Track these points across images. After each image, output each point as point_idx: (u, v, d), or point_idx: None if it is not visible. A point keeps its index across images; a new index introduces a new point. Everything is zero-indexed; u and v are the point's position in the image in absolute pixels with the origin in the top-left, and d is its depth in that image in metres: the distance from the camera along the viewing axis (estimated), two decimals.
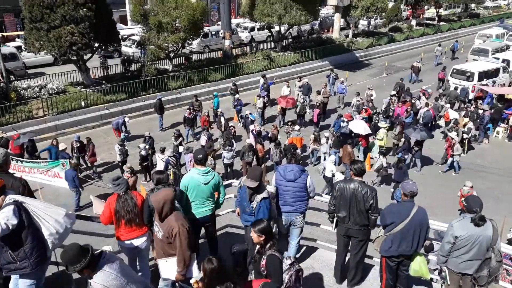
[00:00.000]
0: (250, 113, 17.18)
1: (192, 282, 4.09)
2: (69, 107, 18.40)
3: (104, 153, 16.14)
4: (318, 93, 19.83)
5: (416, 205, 5.35)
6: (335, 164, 15.70)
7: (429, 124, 18.25)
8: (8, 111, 16.97)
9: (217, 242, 6.38)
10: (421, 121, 18.32)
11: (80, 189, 12.79)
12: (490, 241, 5.05)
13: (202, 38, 29.30)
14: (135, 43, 26.47)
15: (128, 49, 26.87)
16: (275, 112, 20.27)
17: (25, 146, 14.31)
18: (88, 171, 14.46)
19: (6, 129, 15.71)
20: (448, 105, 18.97)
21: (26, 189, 4.91)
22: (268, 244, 4.29)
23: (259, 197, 5.43)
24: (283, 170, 5.98)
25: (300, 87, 21.22)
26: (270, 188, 6.18)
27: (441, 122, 17.64)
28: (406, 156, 15.27)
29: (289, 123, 17.46)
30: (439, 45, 31.95)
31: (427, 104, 19.19)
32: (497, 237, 5.10)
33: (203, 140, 15.31)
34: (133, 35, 27.76)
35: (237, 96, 19.81)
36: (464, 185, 12.38)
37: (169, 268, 4.93)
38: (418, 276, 5.50)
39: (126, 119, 17.08)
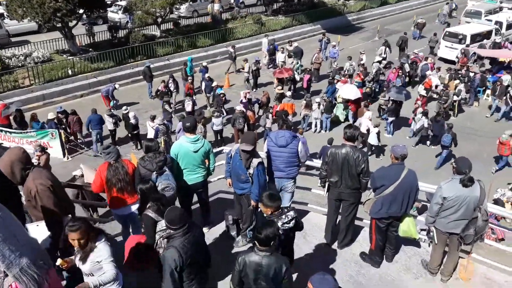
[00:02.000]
0: (220, 87, 16.71)
1: (59, 263, 3.89)
2: (56, 75, 18.02)
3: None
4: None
5: (406, 167, 5.41)
6: (325, 130, 15.84)
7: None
8: None
9: (209, 208, 6.45)
10: (419, 73, 19.44)
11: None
12: (477, 201, 5.15)
13: (191, 3, 28.50)
14: (122, 9, 25.73)
15: (115, 15, 26.15)
16: (269, 79, 20.06)
17: (13, 116, 14.10)
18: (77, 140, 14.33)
19: None
20: (430, 71, 18.78)
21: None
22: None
23: (255, 162, 5.44)
24: (275, 136, 5.98)
25: (292, 52, 20.93)
26: (262, 154, 6.19)
27: (421, 90, 17.33)
28: (391, 118, 15.35)
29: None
30: (447, 3, 31.64)
31: (426, 58, 20.13)
32: (484, 198, 5.20)
33: (188, 106, 15.17)
34: (119, 0, 26.96)
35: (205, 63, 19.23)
36: (504, 133, 13.21)
37: (40, 233, 4.56)
38: (407, 236, 5.64)
39: (116, 86, 16.82)
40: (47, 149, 10.97)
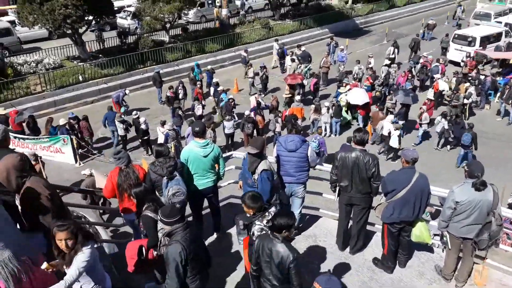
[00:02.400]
0: (224, 92, 16.70)
1: (44, 266, 3.74)
2: (67, 82, 18.22)
3: (104, 128, 16.09)
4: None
5: (417, 171, 5.36)
6: (335, 134, 15.78)
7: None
8: (6, 88, 16.80)
9: (220, 213, 6.45)
10: (430, 74, 19.54)
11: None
12: (491, 205, 5.08)
13: (199, 8, 28.65)
14: (131, 15, 25.94)
15: (124, 21, 26.35)
16: (278, 84, 20.07)
17: (25, 123, 14.25)
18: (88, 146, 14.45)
19: (5, 106, 15.60)
20: (438, 75, 18.64)
21: (27, 164, 4.89)
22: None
23: (260, 168, 5.44)
24: (284, 140, 5.96)
25: (299, 56, 20.93)
26: (271, 159, 6.18)
27: (429, 94, 17.21)
28: (401, 122, 15.28)
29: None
30: (459, 5, 31.65)
31: (438, 60, 20.27)
32: (497, 202, 5.13)
33: (198, 110, 15.24)
34: (129, 6, 27.15)
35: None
36: None
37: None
38: (420, 241, 5.57)
39: (127, 91, 16.95)
40: (41, 158, 11.13)
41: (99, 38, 22.24)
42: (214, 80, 17.51)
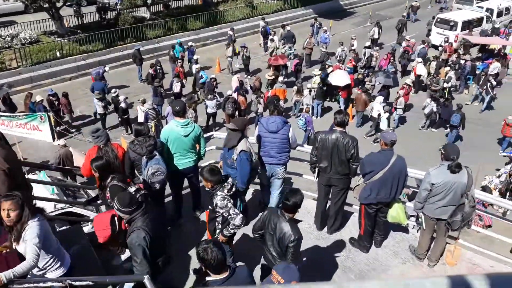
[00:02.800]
0: (201, 70, 16.48)
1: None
2: (44, 57, 17.68)
3: (83, 106, 15.79)
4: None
5: (395, 153, 5.44)
6: (317, 116, 15.85)
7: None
8: None
9: (200, 193, 6.45)
10: (416, 56, 19.57)
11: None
12: (465, 187, 5.21)
13: None
14: None
15: None
16: (261, 64, 19.95)
17: (1, 99, 13.83)
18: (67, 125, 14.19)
19: None
20: (419, 59, 18.77)
21: (3, 141, 4.77)
22: None
23: (238, 148, 5.45)
24: (266, 121, 5.96)
25: (284, 36, 20.79)
26: (251, 139, 6.19)
27: (409, 80, 17.02)
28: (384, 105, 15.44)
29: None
30: None
31: (423, 42, 20.45)
32: (471, 184, 5.27)
33: (176, 87, 15.05)
34: None
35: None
36: (510, 115, 13.70)
37: None
38: (396, 222, 5.71)
39: (106, 68, 16.59)
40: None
41: (77, 13, 21.57)
42: (195, 57, 17.28)
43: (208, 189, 4.61)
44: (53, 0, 17.79)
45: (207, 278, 3.47)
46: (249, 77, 18.10)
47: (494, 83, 16.83)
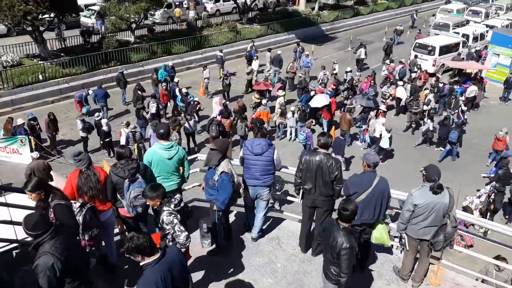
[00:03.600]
0: (187, 92, 16.43)
1: None
2: (26, 80, 17.51)
3: (66, 129, 15.60)
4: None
5: (378, 175, 5.50)
6: (306, 140, 15.95)
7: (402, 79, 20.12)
8: None
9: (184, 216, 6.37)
10: (397, 76, 20.39)
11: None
12: (447, 208, 5.28)
13: (165, 9, 28.36)
14: (95, 13, 25.28)
15: (87, 20, 25.65)
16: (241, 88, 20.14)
17: None
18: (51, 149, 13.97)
19: None
20: (400, 82, 19.20)
21: None
22: None
23: (219, 169, 5.46)
24: (251, 144, 5.99)
25: (272, 59, 21.17)
26: (234, 162, 6.20)
27: (383, 106, 16.97)
28: (364, 126, 15.69)
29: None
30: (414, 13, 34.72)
31: (400, 62, 21.35)
32: (453, 205, 5.35)
33: (152, 108, 14.99)
34: (93, 4, 26.44)
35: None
36: (501, 130, 14.33)
37: None
38: (380, 243, 5.72)
39: (90, 91, 16.49)
40: None
41: (59, 36, 21.55)
42: (176, 79, 17.44)
43: (157, 207, 4.56)
44: (36, 23, 17.75)
45: (141, 263, 3.73)
46: (227, 102, 18.11)
47: (465, 108, 17.18)
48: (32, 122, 13.67)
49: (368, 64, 23.94)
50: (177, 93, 16.50)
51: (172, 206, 4.50)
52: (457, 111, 17.25)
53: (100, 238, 5.20)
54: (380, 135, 14.56)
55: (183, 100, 16.23)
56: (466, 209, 11.48)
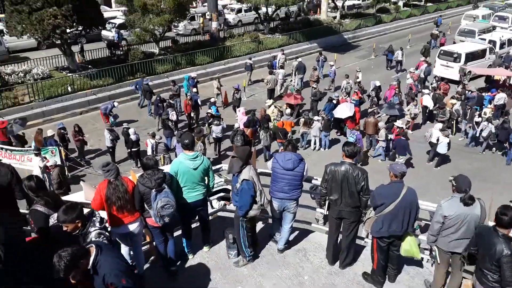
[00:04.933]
0: (213, 105, 16.53)
1: None
2: (56, 92, 18.06)
3: (93, 139, 15.95)
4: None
5: (405, 185, 5.40)
6: (324, 148, 15.86)
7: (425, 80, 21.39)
8: None
9: (209, 226, 6.41)
10: (422, 75, 21.23)
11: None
12: (479, 220, 5.14)
13: (189, 21, 28.82)
14: (115, 26, 25.84)
15: (108, 33, 26.12)
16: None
17: (15, 135, 13.99)
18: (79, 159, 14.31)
19: None
20: (426, 91, 18.89)
21: (14, 176, 4.83)
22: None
23: (241, 177, 5.47)
24: (282, 158, 5.90)
25: (296, 67, 21.31)
26: (260, 170, 6.20)
27: (413, 109, 17.17)
28: (390, 135, 15.47)
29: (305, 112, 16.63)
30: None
31: (425, 61, 21.99)
32: (485, 216, 5.19)
33: (173, 116, 15.39)
34: (113, 18, 27.05)
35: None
36: None
37: None
38: (409, 256, 5.59)
39: (116, 104, 16.86)
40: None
41: (81, 49, 22.08)
42: (194, 89, 17.82)
43: (79, 230, 4.07)
44: (65, 37, 18.33)
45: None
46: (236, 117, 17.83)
47: (479, 119, 16.52)
48: (62, 131, 14.07)
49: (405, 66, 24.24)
50: (199, 102, 16.84)
51: (98, 224, 4.15)
52: (472, 123, 16.59)
53: None
54: (437, 140, 14.49)
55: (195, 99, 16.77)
56: None
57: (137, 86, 18.94)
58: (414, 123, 17.57)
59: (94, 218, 4.26)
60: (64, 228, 4.01)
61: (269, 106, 16.34)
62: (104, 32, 25.95)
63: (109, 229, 4.45)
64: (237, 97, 18.20)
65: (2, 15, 23.30)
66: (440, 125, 15.12)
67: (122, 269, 3.66)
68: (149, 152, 13.13)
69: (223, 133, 14.99)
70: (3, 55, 21.88)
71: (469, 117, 16.99)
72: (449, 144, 14.52)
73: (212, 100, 16.90)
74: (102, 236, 4.16)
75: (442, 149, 14.52)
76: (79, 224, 4.07)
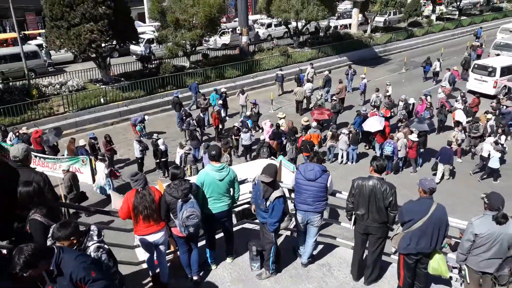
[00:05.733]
0: (249, 118, 16.67)
1: None
2: (89, 104, 18.71)
3: (123, 149, 16.35)
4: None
5: (435, 202, 5.26)
6: (352, 161, 15.65)
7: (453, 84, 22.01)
8: (30, 108, 17.36)
9: (233, 238, 6.41)
10: (446, 83, 21.56)
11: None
12: None
13: (220, 37, 29.32)
14: (144, 41, 26.44)
15: (137, 48, 26.33)
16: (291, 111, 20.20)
17: (51, 145, 14.52)
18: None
19: (28, 126, 16.06)
20: (459, 105, 18.32)
21: (47, 184, 4.99)
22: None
23: (273, 195, 5.44)
24: (304, 169, 5.91)
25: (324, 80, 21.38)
26: (285, 185, 6.16)
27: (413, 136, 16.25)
28: (421, 150, 15.14)
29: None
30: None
31: (448, 69, 22.40)
32: None
33: (193, 125, 15.84)
34: (142, 33, 27.67)
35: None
36: None
37: None
38: (437, 274, 5.41)
39: (146, 117, 17.28)
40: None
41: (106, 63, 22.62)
42: (219, 102, 18.18)
43: (76, 247, 3.91)
44: (100, 50, 19.00)
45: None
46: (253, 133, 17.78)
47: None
48: (93, 141, 14.50)
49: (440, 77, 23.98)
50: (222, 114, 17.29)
51: (95, 237, 4.02)
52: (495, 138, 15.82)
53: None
54: (489, 155, 14.19)
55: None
56: None
57: (191, 88, 20.44)
58: (461, 149, 16.16)
59: (92, 232, 4.11)
60: (61, 244, 3.77)
61: (280, 119, 16.27)
62: (132, 47, 26.60)
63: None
64: (255, 112, 18.03)
65: (43, 31, 24.45)
66: (492, 139, 14.69)
67: (89, 262, 3.54)
68: (177, 162, 13.34)
69: (251, 141, 15.32)
70: (42, 68, 22.85)
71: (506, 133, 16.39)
72: (501, 158, 14.12)
73: (248, 113, 17.08)
74: (101, 249, 4.04)
75: (494, 163, 14.13)
76: (74, 241, 3.90)
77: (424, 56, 30.63)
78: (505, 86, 21.94)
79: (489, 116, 17.44)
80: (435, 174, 14.63)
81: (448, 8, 46.25)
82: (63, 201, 10.83)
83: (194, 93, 20.37)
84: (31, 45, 23.89)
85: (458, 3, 42.74)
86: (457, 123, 17.40)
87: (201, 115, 17.41)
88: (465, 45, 32.45)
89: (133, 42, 22.21)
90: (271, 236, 5.72)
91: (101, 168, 12.72)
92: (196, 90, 20.29)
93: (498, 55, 25.58)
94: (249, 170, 8.95)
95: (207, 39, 26.02)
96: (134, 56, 25.10)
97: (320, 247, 6.68)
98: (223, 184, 5.83)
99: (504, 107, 18.44)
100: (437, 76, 24.73)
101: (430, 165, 15.62)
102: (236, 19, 30.16)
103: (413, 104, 18.76)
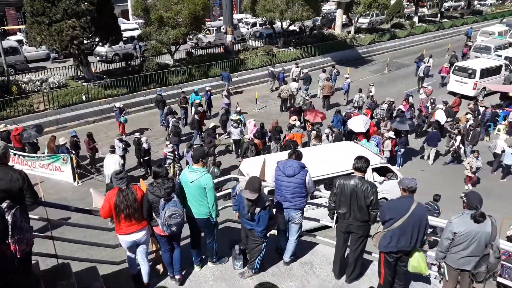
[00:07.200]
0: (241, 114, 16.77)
1: None
2: (70, 101, 18.41)
3: (105, 148, 16.08)
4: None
5: (415, 201, 5.34)
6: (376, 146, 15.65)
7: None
8: (9, 105, 16.99)
9: (213, 249, 6.29)
10: (421, 74, 22.98)
11: None
12: (489, 237, 5.05)
13: (204, 35, 29.16)
14: (134, 39, 26.16)
15: (101, 49, 25.18)
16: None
17: (31, 143, 14.23)
18: (89, 167, 14.47)
19: (6, 123, 15.72)
20: (441, 106, 18.58)
21: (26, 182, 4.89)
22: None
23: (257, 210, 5.48)
24: (283, 165, 5.97)
25: (302, 78, 21.49)
26: (269, 184, 6.18)
27: (391, 133, 16.08)
28: (403, 150, 15.32)
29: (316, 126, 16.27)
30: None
31: (424, 62, 23.54)
32: (496, 234, 5.10)
33: (174, 122, 15.70)
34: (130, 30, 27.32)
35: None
36: None
37: None
38: (417, 272, 5.50)
39: (117, 104, 17.24)
40: None
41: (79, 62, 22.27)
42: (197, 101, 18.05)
43: None
44: (82, 47, 18.71)
45: None
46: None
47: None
48: (75, 139, 14.27)
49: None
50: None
51: None
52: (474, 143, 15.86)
53: (31, 242, 4.58)
54: (503, 151, 14.41)
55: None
56: (510, 239, 10.87)
57: (223, 77, 21.54)
58: (475, 178, 14.94)
59: None
60: None
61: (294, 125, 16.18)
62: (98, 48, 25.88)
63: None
64: (223, 119, 17.61)
65: (23, 26, 23.94)
66: (505, 136, 14.93)
67: None
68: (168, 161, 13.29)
69: (241, 136, 15.47)
70: (21, 64, 22.40)
71: (471, 138, 15.96)
72: None
73: (238, 109, 17.10)
74: None
75: (509, 159, 14.48)
76: None
77: (406, 57, 31.18)
78: (484, 88, 22.43)
79: (469, 116, 17.78)
80: (423, 157, 15.37)
81: (430, 10, 47.01)
82: (43, 200, 10.62)
83: (226, 81, 21.04)
84: (10, 41, 23.38)
85: (440, 7, 43.50)
86: (436, 122, 17.44)
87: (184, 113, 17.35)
88: (446, 47, 33.10)
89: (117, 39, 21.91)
90: (260, 239, 5.73)
91: (114, 160, 12.35)
92: (229, 79, 21.04)
93: (478, 57, 26.11)
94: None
95: (191, 37, 25.86)
96: (97, 58, 24.59)
97: (302, 245, 6.71)
98: (194, 188, 5.62)
99: (483, 108, 18.81)
100: (428, 71, 24.47)
101: (412, 164, 15.88)
102: (221, 17, 30.07)
103: (393, 101, 18.93)
